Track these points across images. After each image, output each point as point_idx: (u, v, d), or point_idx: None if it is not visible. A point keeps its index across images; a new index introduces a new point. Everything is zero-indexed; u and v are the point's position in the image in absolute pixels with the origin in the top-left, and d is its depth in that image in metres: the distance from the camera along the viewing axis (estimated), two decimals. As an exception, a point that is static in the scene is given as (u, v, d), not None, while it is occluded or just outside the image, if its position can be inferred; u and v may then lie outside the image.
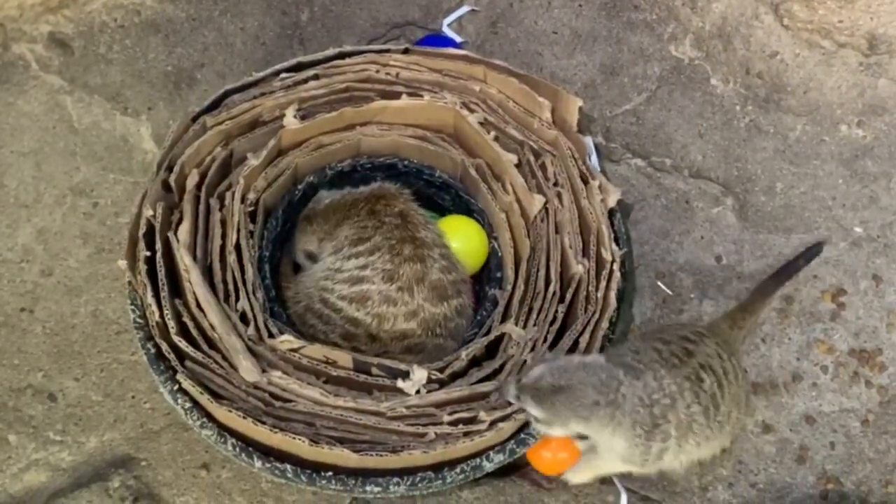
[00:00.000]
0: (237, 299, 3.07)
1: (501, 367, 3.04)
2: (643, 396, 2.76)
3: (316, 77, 3.38)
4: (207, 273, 3.10)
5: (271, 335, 3.02)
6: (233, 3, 3.94)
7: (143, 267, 3.01)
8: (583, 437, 2.87)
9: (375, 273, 3.16)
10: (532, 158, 3.33)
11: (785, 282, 3.36)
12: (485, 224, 3.40)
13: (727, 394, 2.88)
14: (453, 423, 2.92)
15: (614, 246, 3.16)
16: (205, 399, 2.88)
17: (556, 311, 3.13)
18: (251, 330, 3.01)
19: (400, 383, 2.96)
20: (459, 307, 3.22)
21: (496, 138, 3.36)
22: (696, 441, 2.86)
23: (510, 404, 2.91)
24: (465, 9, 3.95)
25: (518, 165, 3.33)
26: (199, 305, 2.99)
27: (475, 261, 3.39)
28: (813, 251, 3.41)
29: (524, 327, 3.11)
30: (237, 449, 2.88)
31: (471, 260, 3.37)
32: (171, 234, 3.07)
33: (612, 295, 3.09)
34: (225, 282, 3.09)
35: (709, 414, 2.83)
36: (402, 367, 3.00)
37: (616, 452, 2.85)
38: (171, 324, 2.95)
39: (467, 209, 3.43)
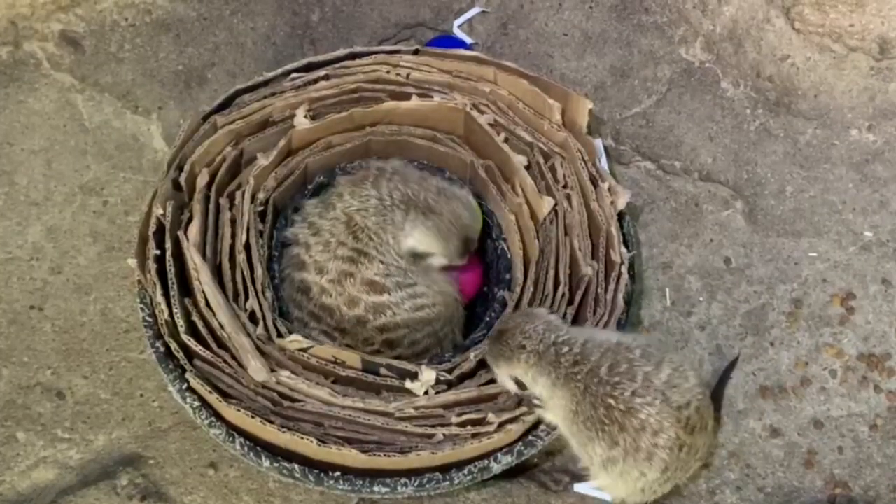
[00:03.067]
0: (246, 298, 3.07)
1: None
2: (597, 377, 2.75)
3: (326, 77, 3.38)
4: (217, 272, 3.09)
5: (280, 335, 3.02)
6: (244, 2, 3.94)
7: (152, 266, 3.01)
8: (522, 388, 2.88)
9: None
10: (542, 160, 3.32)
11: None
12: (493, 225, 3.40)
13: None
14: (461, 425, 2.92)
15: (623, 248, 3.16)
16: (213, 398, 2.88)
17: (565, 312, 3.12)
18: (260, 329, 3.01)
19: (408, 384, 2.96)
20: (414, 294, 3.21)
21: (506, 140, 3.36)
22: (647, 479, 2.85)
23: (519, 405, 2.92)
24: (475, 10, 3.95)
25: (528, 167, 3.33)
26: (208, 304, 2.98)
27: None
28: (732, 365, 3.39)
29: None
30: (245, 448, 2.88)
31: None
32: (180, 233, 3.06)
33: (621, 297, 3.09)
34: (234, 281, 3.09)
35: (667, 463, 2.82)
36: (411, 368, 2.99)
37: (561, 422, 2.88)
38: (181, 322, 2.95)
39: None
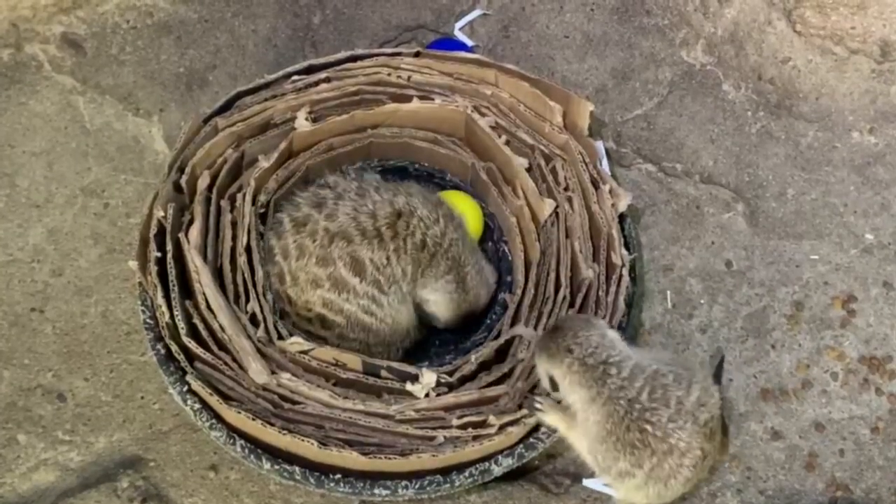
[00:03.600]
0: (247, 301, 3.06)
1: (511, 371, 3.03)
2: (638, 404, 2.75)
3: (327, 80, 3.38)
4: (218, 274, 3.09)
5: (281, 337, 3.01)
6: (245, 5, 3.94)
7: (153, 268, 3.01)
8: (554, 389, 2.86)
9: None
10: (543, 162, 3.32)
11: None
12: (494, 227, 3.40)
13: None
14: (462, 427, 2.92)
15: (624, 251, 3.16)
16: (214, 400, 2.88)
17: (566, 314, 3.12)
18: (261, 332, 3.00)
19: (409, 386, 2.96)
20: (375, 300, 3.17)
21: (507, 142, 3.36)
22: (662, 490, 2.86)
23: (520, 408, 2.92)
24: (477, 12, 3.95)
25: (529, 169, 3.33)
26: (209, 306, 2.99)
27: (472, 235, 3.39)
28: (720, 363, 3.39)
29: (535, 330, 3.10)
30: (246, 450, 2.88)
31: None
32: (181, 236, 3.06)
33: (622, 299, 3.10)
34: (235, 283, 3.09)
35: (688, 478, 2.85)
36: (412, 370, 3.00)
37: (586, 433, 2.85)
38: (181, 325, 2.95)
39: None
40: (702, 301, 3.50)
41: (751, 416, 3.32)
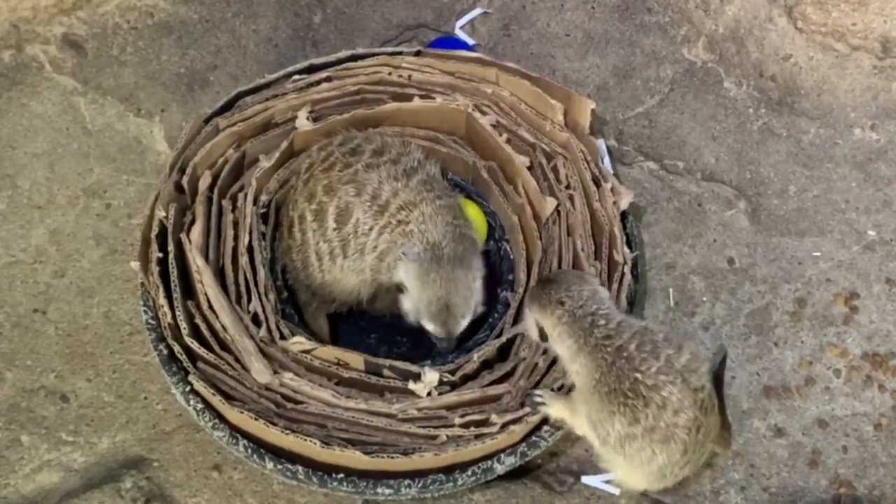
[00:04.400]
0: (249, 301, 3.05)
1: (513, 369, 3.03)
2: (625, 352, 2.75)
3: (328, 79, 3.38)
4: (219, 274, 3.08)
5: (283, 336, 3.01)
6: (245, 5, 3.94)
7: (155, 268, 3.01)
8: (544, 339, 2.87)
9: None
10: (544, 161, 3.32)
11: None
12: (496, 226, 3.39)
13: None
14: (465, 426, 2.91)
15: (626, 249, 3.15)
16: (217, 400, 2.87)
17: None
18: (263, 331, 3.00)
19: (411, 385, 2.95)
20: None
21: (508, 141, 3.36)
22: (663, 461, 2.83)
23: (522, 406, 2.92)
24: (477, 11, 3.94)
25: (530, 168, 3.32)
26: (211, 307, 2.98)
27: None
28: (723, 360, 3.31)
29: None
30: (249, 450, 2.87)
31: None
32: (183, 236, 3.06)
33: (624, 297, 3.08)
34: (237, 283, 3.08)
35: (686, 444, 2.82)
36: (414, 369, 2.98)
37: (579, 387, 2.85)
38: (184, 325, 2.94)
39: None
40: (704, 299, 3.50)
41: (754, 414, 3.31)
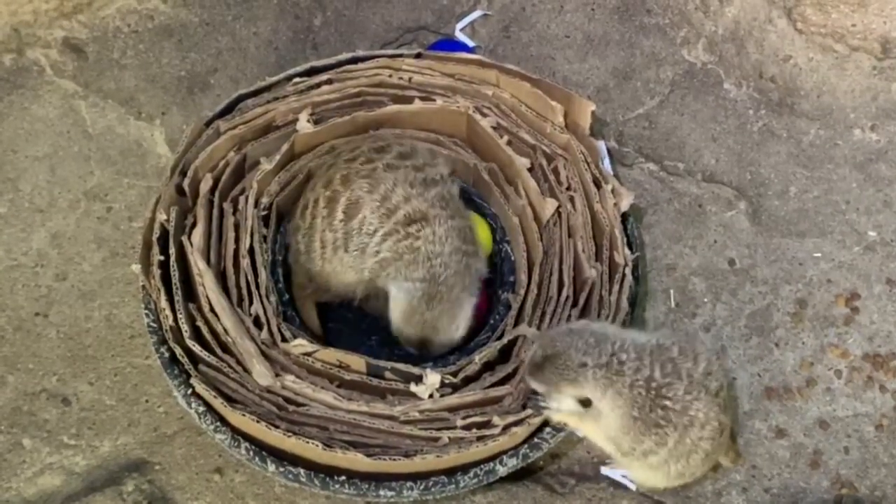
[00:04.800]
0: (250, 303, 3.04)
1: (515, 371, 3.02)
2: (654, 381, 2.73)
3: (329, 82, 3.38)
4: (221, 277, 3.08)
5: (284, 339, 3.00)
6: (246, 7, 3.93)
7: (156, 271, 3.00)
8: (587, 405, 2.81)
9: None
10: (545, 162, 3.31)
11: None
12: (497, 227, 3.39)
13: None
14: (466, 428, 2.91)
15: (627, 250, 3.14)
16: (218, 403, 2.86)
17: (570, 315, 3.12)
18: (264, 334, 2.99)
19: (413, 387, 2.94)
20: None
21: (509, 142, 3.35)
22: (683, 466, 2.85)
23: (524, 408, 2.91)
24: (477, 13, 3.94)
25: (531, 169, 3.31)
26: (212, 309, 2.97)
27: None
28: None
29: (538, 329, 3.10)
30: (250, 453, 2.86)
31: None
32: (184, 239, 3.06)
33: (625, 299, 3.08)
34: (238, 286, 3.07)
35: (708, 451, 2.84)
36: (416, 371, 2.97)
37: (610, 425, 2.82)
38: (185, 328, 2.94)
39: (480, 213, 3.41)
40: (705, 300, 3.49)
41: (755, 415, 3.31)
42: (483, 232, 3.39)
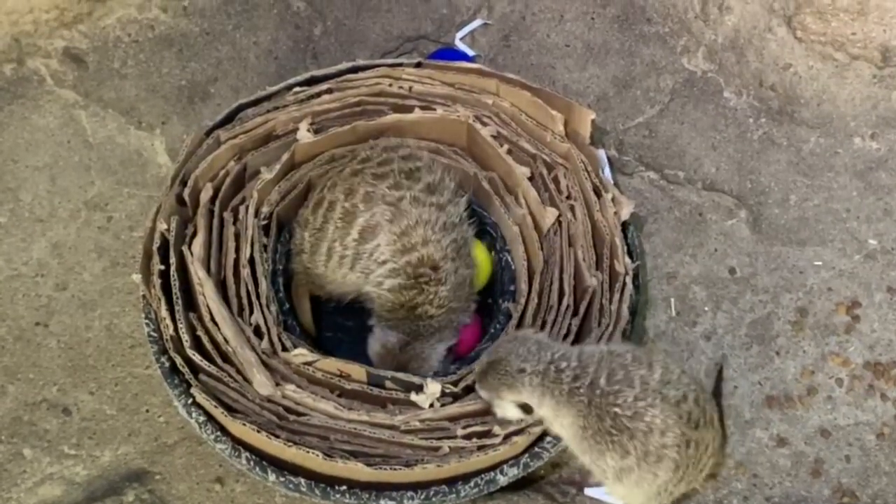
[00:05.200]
0: (251, 313, 3.03)
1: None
2: (598, 389, 2.72)
3: (329, 91, 3.37)
4: (221, 287, 3.06)
5: (285, 348, 2.98)
6: (246, 17, 3.93)
7: (157, 281, 2.98)
8: (528, 412, 2.82)
9: None
10: (545, 171, 3.30)
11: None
12: (497, 237, 3.38)
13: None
14: (467, 437, 2.89)
15: (627, 259, 3.13)
16: (219, 413, 2.84)
17: (570, 324, 3.10)
18: (265, 343, 2.97)
19: (413, 397, 2.92)
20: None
21: (509, 151, 3.34)
22: (669, 473, 2.81)
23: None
24: (477, 22, 3.93)
25: (531, 178, 3.30)
26: (212, 319, 2.96)
27: (478, 280, 3.37)
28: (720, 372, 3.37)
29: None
30: (251, 463, 2.85)
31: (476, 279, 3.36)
32: (185, 248, 3.04)
33: (626, 307, 3.06)
34: (239, 295, 3.06)
35: (677, 462, 2.80)
36: (416, 380, 2.96)
37: (564, 436, 2.83)
38: (186, 337, 2.92)
39: (480, 223, 3.39)
40: (706, 308, 3.48)
41: (756, 423, 3.30)
42: (481, 255, 3.38)
